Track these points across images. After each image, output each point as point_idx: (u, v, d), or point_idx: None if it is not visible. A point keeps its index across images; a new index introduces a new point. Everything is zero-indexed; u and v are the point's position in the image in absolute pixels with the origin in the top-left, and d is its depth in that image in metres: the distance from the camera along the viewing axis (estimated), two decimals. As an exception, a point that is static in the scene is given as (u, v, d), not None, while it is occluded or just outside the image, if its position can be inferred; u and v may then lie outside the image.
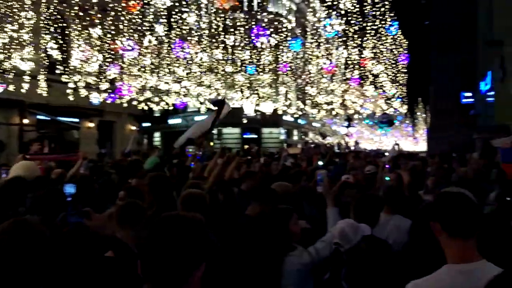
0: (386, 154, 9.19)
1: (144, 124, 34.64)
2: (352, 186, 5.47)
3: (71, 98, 19.94)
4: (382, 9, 19.92)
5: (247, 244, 3.49)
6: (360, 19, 21.08)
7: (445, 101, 33.27)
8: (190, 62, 22.61)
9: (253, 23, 22.76)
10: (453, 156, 14.85)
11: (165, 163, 8.22)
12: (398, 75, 30.87)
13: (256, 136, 35.08)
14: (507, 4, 14.86)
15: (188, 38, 21.99)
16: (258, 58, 23.94)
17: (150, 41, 19.29)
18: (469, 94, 30.34)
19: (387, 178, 6.57)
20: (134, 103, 24.36)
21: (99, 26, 19.50)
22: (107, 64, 20.98)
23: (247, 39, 21.79)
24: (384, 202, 4.18)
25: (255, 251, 3.30)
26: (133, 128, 30.05)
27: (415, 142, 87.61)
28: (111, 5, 19.70)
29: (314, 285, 3.17)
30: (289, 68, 25.04)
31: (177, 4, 20.92)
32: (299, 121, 39.01)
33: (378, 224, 3.81)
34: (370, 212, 3.52)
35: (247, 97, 28.42)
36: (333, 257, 2.91)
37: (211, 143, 27.39)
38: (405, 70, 31.66)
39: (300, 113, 35.22)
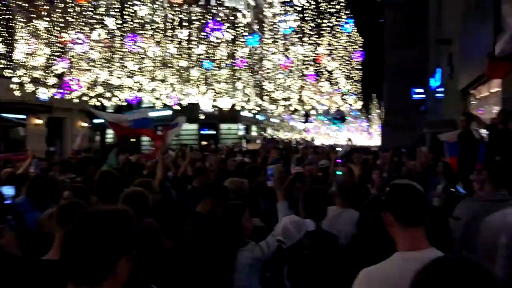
0: (338, 149, 9.34)
1: (96, 121, 33.66)
2: (303, 179, 5.49)
3: (17, 93, 19.01)
4: (338, 6, 20.21)
5: (198, 242, 3.42)
6: (316, 16, 21.28)
7: (398, 97, 34.18)
8: (144, 56, 22.08)
9: (209, 17, 22.48)
10: (402, 151, 15.32)
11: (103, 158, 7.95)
12: (352, 71, 31.52)
13: (214, 132, 34.88)
14: (455, 3, 15.41)
15: (141, 31, 21.44)
16: (213, 53, 23.71)
17: (99, 35, 18.58)
18: (420, 90, 31.34)
19: (338, 172, 6.67)
20: (85, 98, 23.56)
21: (47, 18, 18.65)
22: (54, 58, 20.13)
23: (202, 34, 21.49)
24: (336, 195, 4.22)
25: (206, 248, 3.24)
26: (84, 124, 29.10)
27: (370, 137, 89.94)
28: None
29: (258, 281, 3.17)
30: (246, 64, 24.93)
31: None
32: (258, 117, 39.12)
33: (331, 217, 3.86)
34: (318, 206, 3.52)
35: (203, 93, 28.15)
36: (276, 255, 2.94)
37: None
38: (360, 67, 32.36)
39: (258, 108, 35.32)
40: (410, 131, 27.09)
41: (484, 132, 7.90)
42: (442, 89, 19.97)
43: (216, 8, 28.31)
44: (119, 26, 20.98)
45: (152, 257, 3.08)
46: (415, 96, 31.43)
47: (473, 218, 3.45)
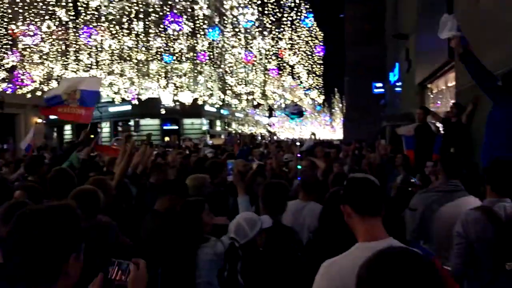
0: (297, 144, 9.42)
1: (52, 117, 32.53)
2: (264, 174, 5.48)
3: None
4: (297, 1, 20.30)
5: (156, 240, 3.35)
6: (276, 10, 21.32)
7: (358, 91, 34.91)
8: (100, 49, 21.43)
9: (167, 9, 22.05)
10: (362, 144, 15.63)
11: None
12: (314, 66, 31.82)
13: (176, 127, 34.45)
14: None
15: (96, 24, 20.76)
16: (173, 46, 23.30)
17: (49, 27, 17.84)
18: (380, 84, 32.10)
19: (299, 167, 6.71)
20: (39, 93, 22.66)
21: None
22: (4, 51, 19.18)
23: (161, 26, 21.04)
24: (299, 188, 4.23)
25: (165, 246, 3.17)
26: (39, 121, 28.04)
27: (333, 130, 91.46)
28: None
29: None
30: (207, 57, 24.69)
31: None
32: (222, 111, 38.94)
33: (294, 211, 3.88)
34: (277, 200, 3.51)
35: (164, 87, 27.69)
36: (229, 253, 2.90)
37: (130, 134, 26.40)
38: (321, 62, 32.71)
39: (221, 103, 35.13)
40: (371, 125, 27.79)
41: (440, 125, 8.14)
42: (400, 83, 20.48)
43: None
44: (73, 18, 20.22)
45: (109, 255, 3.00)
46: (375, 90, 32.20)
47: (428, 209, 3.54)
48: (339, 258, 2.00)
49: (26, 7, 18.35)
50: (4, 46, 19.70)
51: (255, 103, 38.92)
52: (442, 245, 3.36)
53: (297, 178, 6.35)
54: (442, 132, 7.07)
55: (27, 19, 18.44)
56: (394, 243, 1.98)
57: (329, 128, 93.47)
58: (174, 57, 24.35)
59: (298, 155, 7.52)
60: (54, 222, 1.42)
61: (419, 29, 13.38)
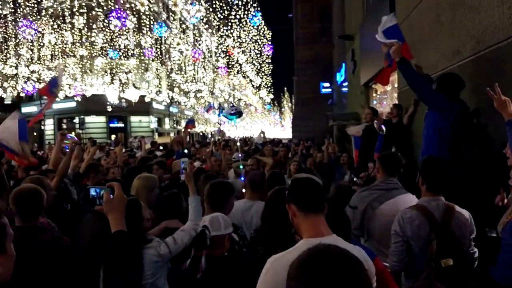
0: (238, 143, 9.41)
1: (-5, 113, 30.84)
2: (206, 171, 5.45)
3: None
4: (245, -1, 20.29)
5: (97, 242, 3.23)
6: (224, 8, 21.22)
7: (307, 90, 35.46)
8: (41, 44, 20.47)
9: (111, 4, 21.39)
10: (310, 143, 15.93)
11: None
12: (263, 65, 32.01)
13: (123, 125, 33.57)
14: (355, 1, 16.22)
15: (37, 18, 19.81)
16: (118, 42, 22.65)
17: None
18: (327, 84, 32.79)
19: (241, 166, 6.71)
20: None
21: None
22: None
23: (105, 21, 20.37)
24: (246, 187, 4.24)
25: (107, 248, 3.05)
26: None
27: (283, 129, 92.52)
28: None
29: (175, 273, 3.09)
30: (154, 54, 24.20)
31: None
32: (171, 109, 38.34)
33: (241, 210, 3.91)
34: (223, 198, 3.51)
35: (108, 84, 26.87)
36: (197, 239, 2.92)
37: (72, 133, 25.43)
38: (270, 61, 32.94)
39: (169, 100, 34.56)
40: (319, 124, 28.36)
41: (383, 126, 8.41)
42: (346, 84, 21.00)
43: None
44: (12, 11, 19.19)
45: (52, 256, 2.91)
46: (323, 90, 32.85)
47: (369, 206, 3.65)
48: (284, 254, 2.05)
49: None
50: None
51: (203, 101, 38.62)
52: (382, 242, 3.48)
53: (240, 178, 6.36)
54: (383, 132, 7.32)
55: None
56: (338, 240, 2.07)
57: (279, 127, 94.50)
58: (120, 53, 23.66)
59: (240, 155, 7.52)
60: None
61: (363, 30, 13.78)
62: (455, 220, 2.95)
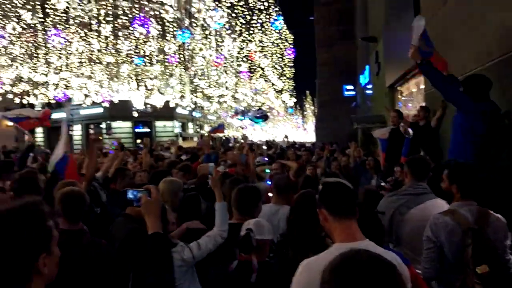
0: (264, 147, 9.36)
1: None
2: (231, 176, 5.44)
3: None
4: (267, 4, 20.32)
5: (131, 245, 3.27)
6: (246, 13, 21.28)
7: (329, 93, 35.16)
8: (70, 52, 21.00)
9: (136, 12, 21.79)
10: (334, 148, 15.75)
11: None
12: (285, 68, 31.90)
13: (149, 129, 34.05)
14: (378, 2, 16.05)
15: (65, 26, 20.35)
16: (143, 48, 23.02)
17: (14, 28, 17.38)
18: (351, 87, 32.44)
19: (267, 170, 6.69)
20: (10, 96, 22.16)
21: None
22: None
23: (130, 29, 20.77)
24: (272, 192, 4.22)
25: (140, 251, 3.08)
26: (10, 123, 27.32)
27: (306, 132, 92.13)
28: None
29: (218, 275, 3.07)
30: (178, 60, 24.49)
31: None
32: (194, 113, 38.70)
33: (268, 215, 3.86)
34: (251, 203, 3.51)
35: (135, 89, 27.34)
36: (243, 241, 2.88)
37: (100, 138, 25.95)
38: (292, 64, 32.80)
39: (193, 105, 34.91)
40: (342, 127, 28.03)
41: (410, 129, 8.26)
42: (370, 86, 20.75)
43: (143, 2, 27.56)
44: (41, 20, 19.76)
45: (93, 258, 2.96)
46: (346, 93, 32.51)
47: (397, 212, 3.59)
48: (317, 257, 2.04)
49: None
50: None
51: (225, 105, 38.81)
52: (412, 248, 3.42)
53: (266, 182, 6.34)
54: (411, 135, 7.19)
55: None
56: (370, 244, 2.05)
57: (302, 130, 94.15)
58: (145, 60, 24.05)
59: (265, 158, 7.49)
60: (17, 224, 1.39)
61: (387, 32, 13.61)
62: (490, 225, 2.87)
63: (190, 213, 3.77)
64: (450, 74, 5.47)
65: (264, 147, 8.29)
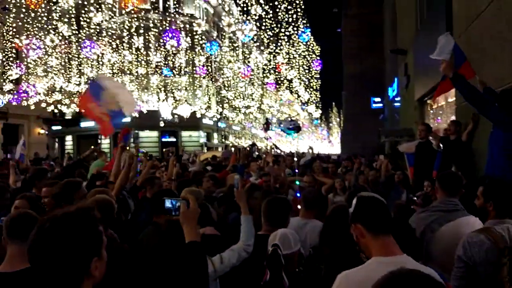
0: (295, 158, 9.28)
1: (55, 128, 32.60)
2: (259, 188, 5.43)
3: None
4: (295, 16, 20.38)
5: (160, 254, 3.30)
6: (274, 25, 21.38)
7: (356, 105, 34.92)
8: (101, 62, 21.59)
9: (166, 24, 22.30)
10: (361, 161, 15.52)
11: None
12: (311, 80, 31.89)
13: (175, 139, 34.48)
14: (408, 14, 15.90)
15: (98, 38, 20.99)
16: (173, 60, 23.47)
17: (52, 41, 17.99)
18: (378, 99, 32.16)
19: (297, 182, 6.65)
20: (43, 105, 22.92)
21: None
22: (10, 63, 19.45)
23: (160, 41, 21.25)
24: (300, 205, 4.18)
25: (185, 258, 3.05)
26: (42, 131, 28.21)
27: (331, 144, 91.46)
28: (13, 1, 18.12)
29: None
30: (206, 71, 24.85)
31: (85, 3, 19.79)
32: (219, 124, 39.03)
33: (295, 228, 3.79)
34: (280, 215, 3.48)
35: (163, 100, 27.83)
36: (271, 259, 2.83)
37: (127, 148, 26.35)
38: (318, 76, 32.75)
39: (218, 116, 35.25)
40: (368, 139, 27.75)
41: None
42: (399, 99, 20.50)
43: (173, 15, 28.13)
44: (75, 32, 20.43)
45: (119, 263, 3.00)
46: (374, 105, 32.23)
47: (428, 229, 3.51)
48: (355, 270, 2.04)
49: (30, 22, 18.53)
50: (9, 59, 19.94)
51: (251, 116, 38.96)
52: (443, 266, 3.33)
53: (296, 194, 6.30)
54: (441, 150, 7.04)
55: (31, 33, 18.62)
56: (409, 259, 2.04)
57: (327, 142, 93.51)
58: (173, 71, 24.49)
59: (296, 170, 7.47)
60: (74, 229, 1.45)
61: (417, 44, 13.45)
62: (526, 244, 2.79)
63: (202, 220, 3.74)
64: (488, 87, 5.34)
65: (295, 159, 8.21)
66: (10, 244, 2.67)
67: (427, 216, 3.59)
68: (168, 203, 2.71)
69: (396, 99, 21.54)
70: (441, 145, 6.48)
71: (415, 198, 5.17)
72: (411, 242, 2.69)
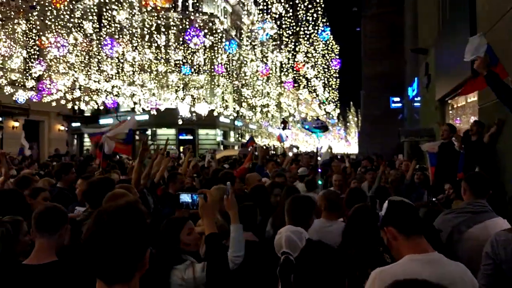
0: (319, 158, 9.21)
1: (74, 124, 33.11)
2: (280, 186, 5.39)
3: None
4: (315, 15, 20.22)
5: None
6: (293, 24, 21.27)
7: (375, 105, 34.60)
8: (122, 61, 21.84)
9: (186, 23, 22.43)
10: (376, 159, 15.36)
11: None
12: (330, 79, 31.69)
13: (192, 137, 34.69)
14: (430, 13, 15.69)
15: (119, 36, 21.23)
16: (192, 58, 23.58)
17: (76, 39, 18.24)
18: (398, 99, 31.83)
19: (319, 182, 6.60)
20: (63, 102, 23.30)
21: (24, 21, 18.31)
22: (32, 60, 19.84)
23: (180, 39, 21.38)
24: (323, 207, 4.11)
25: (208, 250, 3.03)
26: (62, 128, 28.68)
27: (348, 144, 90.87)
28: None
29: None
30: (224, 70, 24.90)
31: (107, 1, 20.01)
32: (236, 122, 39.12)
33: (318, 230, 3.77)
34: (305, 213, 3.45)
35: (182, 98, 28.00)
36: (283, 267, 2.78)
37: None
38: (337, 75, 32.52)
39: (235, 114, 35.31)
40: (387, 139, 27.47)
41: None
42: (419, 99, 20.26)
43: (193, 14, 28.25)
44: (97, 30, 20.67)
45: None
46: (393, 105, 31.91)
47: (455, 230, 3.47)
48: (390, 267, 2.12)
49: (53, 20, 18.82)
50: (32, 56, 20.33)
51: (269, 115, 38.91)
52: (471, 267, 3.28)
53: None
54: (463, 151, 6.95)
55: (55, 31, 18.91)
56: (442, 257, 2.13)
57: (344, 142, 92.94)
58: (192, 69, 24.59)
59: (319, 170, 7.42)
60: (132, 221, 1.46)
61: (439, 44, 13.28)
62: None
63: (245, 223, 3.71)
64: None
65: (319, 158, 8.16)
66: (39, 238, 2.72)
67: (454, 217, 3.56)
68: (183, 198, 2.84)
69: (416, 99, 21.29)
70: (462, 146, 6.38)
71: (436, 200, 5.10)
72: (437, 243, 2.67)
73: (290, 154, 16.59)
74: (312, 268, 2.23)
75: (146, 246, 1.49)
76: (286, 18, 20.49)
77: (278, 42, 25.26)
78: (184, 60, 23.54)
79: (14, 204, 3.53)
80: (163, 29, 21.61)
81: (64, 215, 2.89)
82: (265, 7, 17.27)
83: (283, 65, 26.94)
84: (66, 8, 18.32)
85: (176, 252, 2.93)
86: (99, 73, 22.83)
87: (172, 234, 2.97)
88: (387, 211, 2.26)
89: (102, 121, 33.75)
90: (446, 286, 1.34)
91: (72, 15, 19.95)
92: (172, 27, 21.91)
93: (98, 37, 21.29)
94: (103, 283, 1.44)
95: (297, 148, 22.99)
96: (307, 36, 21.81)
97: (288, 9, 19.68)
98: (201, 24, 21.73)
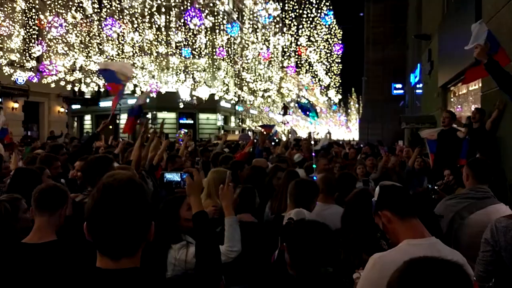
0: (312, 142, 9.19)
1: (74, 106, 33.01)
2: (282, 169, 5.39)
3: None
4: (318, -2, 19.98)
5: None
6: (296, 7, 21.03)
7: (376, 91, 34.53)
8: (123, 41, 21.62)
9: (188, 3, 22.18)
10: (375, 145, 15.34)
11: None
12: (332, 64, 31.49)
13: (192, 121, 34.62)
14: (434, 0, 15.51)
15: (120, 16, 20.97)
16: (193, 41, 23.34)
17: (74, 17, 18.00)
18: (400, 85, 31.73)
19: (314, 166, 6.61)
20: (62, 83, 23.17)
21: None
22: (31, 40, 19.65)
23: (181, 20, 21.13)
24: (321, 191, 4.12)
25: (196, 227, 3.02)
26: (62, 110, 28.62)
27: (348, 130, 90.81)
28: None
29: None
30: (225, 53, 24.71)
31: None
32: (237, 107, 39.01)
33: (316, 213, 3.73)
34: (308, 197, 3.50)
35: (182, 81, 27.82)
36: (285, 231, 2.88)
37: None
38: (339, 60, 32.31)
39: (237, 99, 35.16)
40: (388, 125, 27.50)
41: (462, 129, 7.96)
42: (421, 85, 20.17)
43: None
44: (97, 10, 20.41)
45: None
46: (395, 91, 31.83)
47: (457, 216, 3.46)
48: (388, 253, 2.10)
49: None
50: (31, 37, 20.13)
51: (270, 100, 38.75)
52: (471, 254, 3.27)
53: (312, 177, 6.27)
54: (467, 138, 6.93)
55: (53, 10, 18.67)
56: (438, 242, 2.12)
57: (344, 128, 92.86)
58: (193, 52, 24.37)
59: (313, 154, 7.40)
60: (139, 192, 1.44)
61: (443, 30, 13.14)
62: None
63: (244, 205, 3.72)
64: None
65: (312, 143, 8.11)
66: (38, 216, 2.72)
67: (456, 203, 3.54)
68: (168, 177, 2.90)
69: (418, 85, 21.22)
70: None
71: (435, 187, 5.08)
72: (435, 230, 2.66)
73: (290, 137, 16.54)
74: (304, 237, 2.28)
75: (151, 218, 1.47)
76: (289, 1, 20.26)
77: (281, 25, 24.99)
78: (184, 43, 23.31)
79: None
80: (163, 10, 21.34)
81: (64, 194, 2.88)
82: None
83: (285, 49, 26.71)
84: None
85: (175, 230, 2.93)
86: (99, 54, 22.63)
87: (171, 211, 2.98)
88: (380, 196, 2.25)
89: (103, 104, 33.63)
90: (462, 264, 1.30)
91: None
92: (173, 8, 21.62)
93: (99, 18, 21.05)
94: (108, 259, 1.40)
95: (296, 133, 22.91)
96: (310, 19, 21.58)
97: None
98: (202, 4, 21.45)
